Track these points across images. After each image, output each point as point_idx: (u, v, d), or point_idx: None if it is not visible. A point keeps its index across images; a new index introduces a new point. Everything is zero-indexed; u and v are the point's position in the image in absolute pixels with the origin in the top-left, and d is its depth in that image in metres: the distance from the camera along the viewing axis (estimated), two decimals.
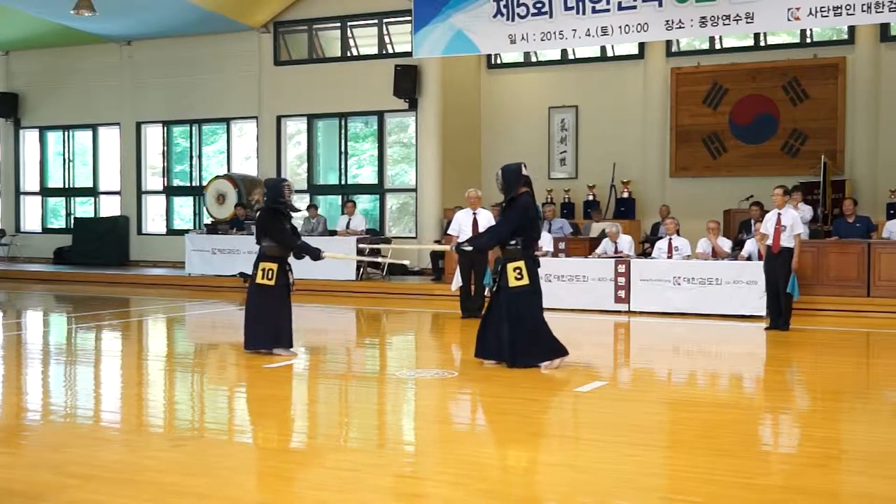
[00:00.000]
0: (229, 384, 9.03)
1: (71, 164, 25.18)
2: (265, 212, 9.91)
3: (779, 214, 12.28)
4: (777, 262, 12.25)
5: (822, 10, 14.05)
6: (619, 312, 14.42)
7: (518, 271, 9.10)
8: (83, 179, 25.23)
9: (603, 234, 15.87)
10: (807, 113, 18.60)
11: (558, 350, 9.22)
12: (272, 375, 9.16)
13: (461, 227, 13.66)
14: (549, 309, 14.44)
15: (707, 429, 6.84)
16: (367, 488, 5.38)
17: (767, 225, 12.40)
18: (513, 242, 9.17)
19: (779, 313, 12.42)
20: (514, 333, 9.03)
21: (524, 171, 9.36)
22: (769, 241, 12.29)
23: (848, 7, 13.87)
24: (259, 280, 9.67)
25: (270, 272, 9.68)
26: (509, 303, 9.07)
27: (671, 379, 9.46)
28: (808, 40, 18.95)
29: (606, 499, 5.24)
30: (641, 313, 14.33)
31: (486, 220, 13.60)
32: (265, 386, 8.75)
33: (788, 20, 14.44)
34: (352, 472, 5.75)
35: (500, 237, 9.27)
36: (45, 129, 25.26)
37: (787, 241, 12.19)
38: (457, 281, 13.94)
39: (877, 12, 13.81)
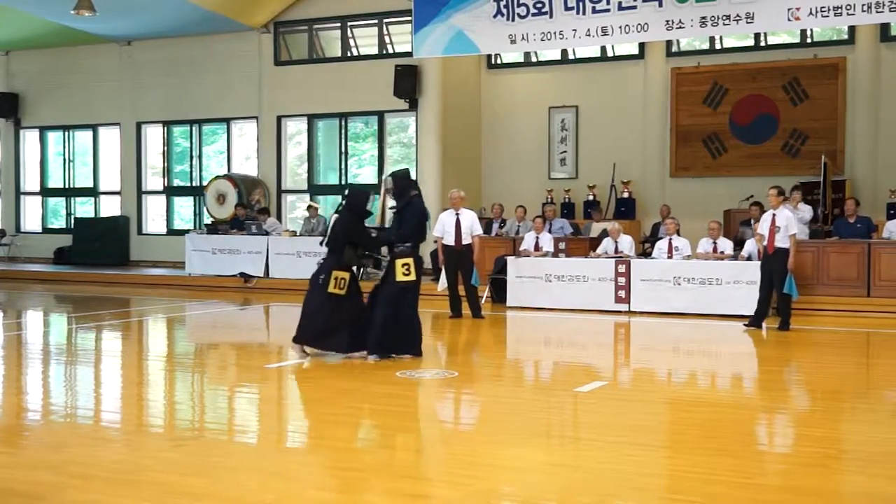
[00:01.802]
0: (229, 384, 9.03)
1: (71, 164, 25.18)
2: (351, 217, 9.75)
3: (773, 215, 12.35)
4: (773, 263, 12.31)
5: (822, 10, 14.05)
6: (619, 312, 14.42)
7: (406, 267, 9.62)
8: (83, 179, 25.23)
9: (604, 234, 15.88)
10: (807, 113, 18.60)
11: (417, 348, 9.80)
12: (272, 375, 9.16)
13: (445, 227, 13.68)
14: (549, 309, 14.57)
15: (707, 429, 6.84)
16: (367, 488, 5.38)
17: (763, 226, 12.48)
18: (401, 245, 9.71)
19: (765, 313, 12.52)
20: (393, 325, 9.55)
21: (412, 176, 10.14)
22: (765, 242, 12.35)
23: (848, 7, 13.87)
24: (331, 289, 9.49)
25: (343, 281, 9.58)
26: (392, 294, 9.58)
27: (671, 379, 9.46)
28: (809, 40, 18.94)
29: (606, 499, 5.25)
30: (641, 313, 14.33)
31: (469, 219, 13.62)
32: (265, 386, 8.76)
33: (788, 20, 14.43)
34: (353, 472, 5.75)
35: (400, 238, 9.74)
36: (46, 129, 25.26)
37: (782, 241, 12.23)
38: (442, 282, 14.02)
39: (877, 12, 13.80)
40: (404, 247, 9.68)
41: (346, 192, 10.39)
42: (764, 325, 12.59)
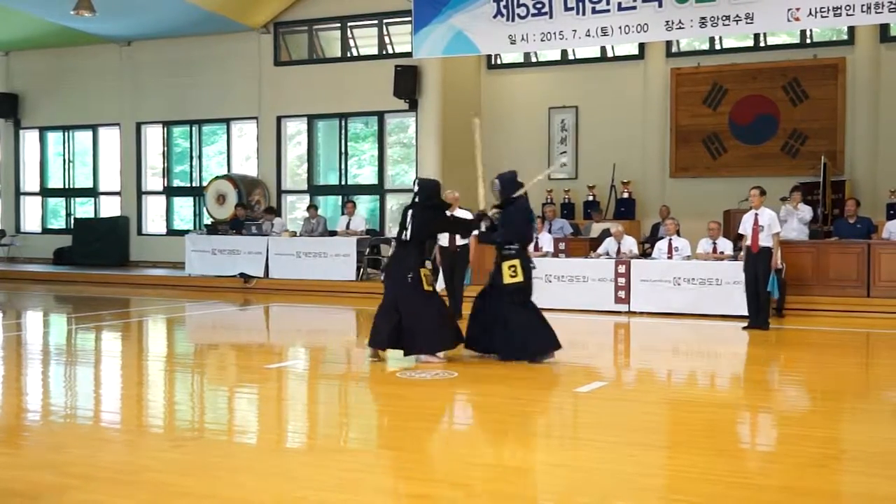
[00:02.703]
0: (229, 384, 9.03)
1: (71, 164, 25.18)
2: (427, 211, 9.63)
3: (756, 215, 12.46)
4: (757, 262, 12.42)
5: (822, 10, 14.04)
6: (619, 313, 14.41)
7: (513, 269, 9.53)
8: (83, 180, 25.23)
9: (604, 234, 15.88)
10: (807, 113, 18.60)
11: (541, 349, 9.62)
12: (272, 375, 9.16)
13: None
14: (549, 309, 14.53)
15: (706, 429, 6.84)
16: (367, 489, 5.38)
17: (745, 225, 12.59)
18: (507, 246, 9.65)
19: (758, 312, 12.55)
20: (511, 328, 9.43)
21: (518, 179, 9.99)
22: (748, 242, 12.44)
23: (848, 7, 13.86)
24: (426, 287, 9.40)
25: (428, 277, 9.51)
26: (503, 299, 9.48)
27: (671, 379, 9.46)
28: (808, 41, 18.94)
29: (606, 499, 5.25)
30: (641, 314, 14.33)
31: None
32: (265, 386, 8.76)
33: (788, 20, 14.43)
34: (352, 472, 5.75)
35: (507, 240, 9.67)
36: (45, 129, 25.26)
37: (765, 240, 12.34)
38: (441, 283, 13.91)
39: (876, 13, 13.80)
40: (510, 249, 9.61)
41: (416, 184, 10.13)
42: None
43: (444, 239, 13.53)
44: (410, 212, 9.69)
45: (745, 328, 12.62)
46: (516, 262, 9.58)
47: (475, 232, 10.50)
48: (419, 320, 9.35)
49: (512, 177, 9.98)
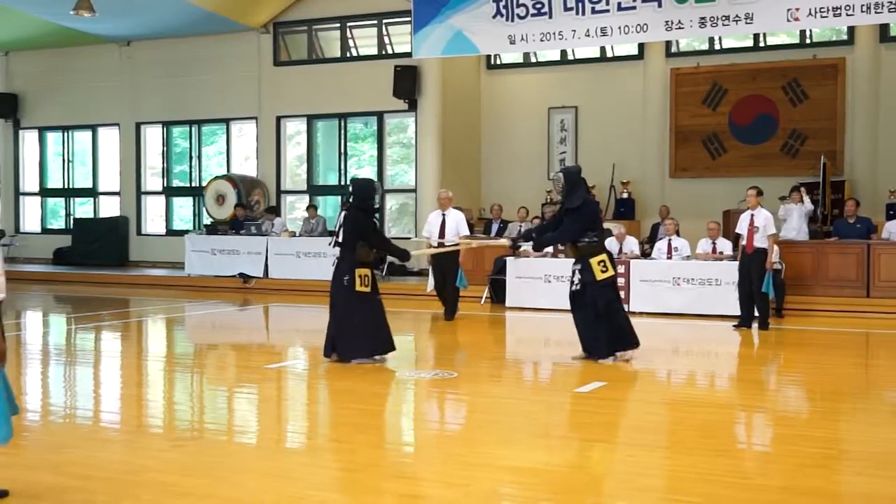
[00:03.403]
0: (229, 384, 9.03)
1: (70, 164, 25.18)
2: (358, 213, 9.48)
3: (752, 215, 12.52)
4: (751, 263, 12.49)
5: (822, 10, 14.04)
6: None
7: (602, 264, 9.47)
8: (82, 180, 25.22)
9: (605, 234, 15.85)
10: (806, 113, 18.60)
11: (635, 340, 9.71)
12: (271, 376, 9.16)
13: (431, 228, 13.59)
14: (549, 309, 14.56)
15: (706, 429, 6.84)
16: (366, 489, 5.38)
17: (741, 226, 12.66)
18: (586, 239, 9.57)
19: (750, 313, 12.62)
20: (612, 324, 9.47)
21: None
22: (743, 242, 12.48)
23: (847, 7, 13.86)
24: (359, 287, 9.28)
25: (367, 278, 9.38)
26: (597, 296, 9.44)
27: (670, 379, 9.46)
28: (808, 41, 18.94)
29: (606, 499, 5.25)
30: (641, 314, 14.32)
31: (455, 220, 13.45)
32: (264, 386, 8.76)
33: (788, 21, 14.42)
34: (351, 472, 5.75)
35: (567, 236, 9.66)
36: (45, 129, 25.25)
37: (760, 241, 12.39)
38: (431, 283, 13.92)
39: (876, 13, 13.79)
40: (592, 241, 9.55)
41: (350, 185, 10.05)
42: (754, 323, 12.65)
43: (434, 238, 13.44)
44: (343, 213, 9.67)
45: (735, 327, 12.64)
46: (604, 256, 9.55)
47: (526, 245, 10.29)
48: (350, 325, 9.33)
49: (577, 171, 9.81)
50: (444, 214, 13.55)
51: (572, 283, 9.71)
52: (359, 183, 9.83)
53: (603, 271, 9.48)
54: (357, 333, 9.33)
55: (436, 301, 14.22)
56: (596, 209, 9.87)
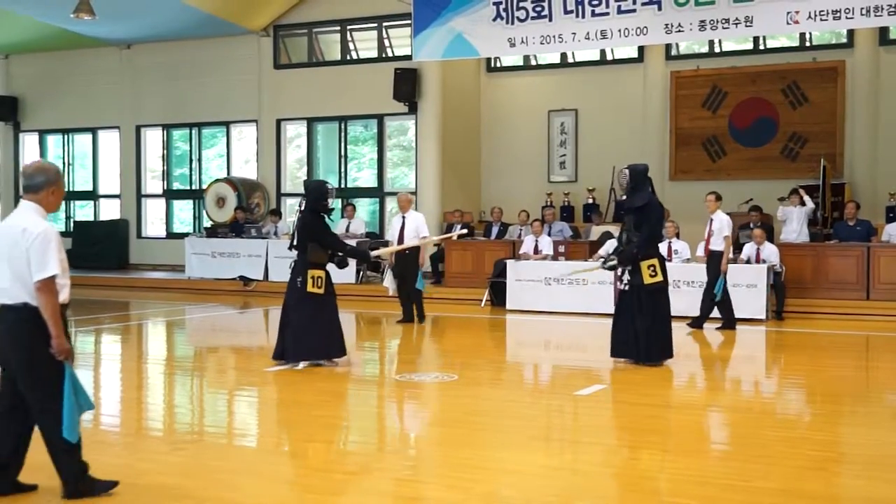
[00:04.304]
0: (229, 388, 9.04)
1: (70, 167, 25.16)
2: (310, 216, 9.46)
3: (710, 219, 12.79)
4: (707, 265, 12.76)
5: (822, 13, 14.05)
6: None
7: (652, 269, 9.38)
8: (83, 183, 25.21)
9: (604, 237, 15.84)
10: (806, 116, 18.58)
11: (669, 352, 9.65)
12: (271, 379, 9.16)
13: (394, 232, 13.49)
14: (549, 312, 14.58)
15: (706, 432, 6.85)
16: (366, 491, 5.39)
17: (707, 229, 12.91)
18: None
19: (709, 313, 12.78)
20: (651, 330, 9.39)
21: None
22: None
23: (847, 11, 13.86)
24: (310, 289, 9.24)
25: (320, 280, 9.31)
26: (644, 300, 9.39)
27: (671, 382, 9.46)
28: (808, 44, 18.93)
29: (606, 501, 5.26)
30: None
31: (414, 223, 13.24)
32: (265, 389, 8.76)
33: (788, 24, 14.42)
34: (351, 475, 5.76)
35: (647, 244, 9.52)
36: (45, 132, 25.25)
37: (716, 244, 12.62)
38: (392, 286, 13.63)
39: (875, 16, 13.79)
40: (641, 247, 9.43)
41: (303, 187, 10.02)
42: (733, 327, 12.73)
43: (393, 241, 13.33)
44: (297, 215, 9.67)
45: (718, 329, 12.75)
46: (654, 261, 9.44)
47: (608, 262, 10.03)
48: (299, 326, 9.29)
49: (644, 169, 9.74)
50: (403, 217, 13.42)
51: (620, 281, 9.68)
52: (311, 185, 9.90)
53: (652, 276, 9.39)
54: (304, 335, 9.28)
55: (437, 304, 14.23)
56: (662, 211, 9.73)
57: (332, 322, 9.46)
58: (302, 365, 9.29)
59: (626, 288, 9.57)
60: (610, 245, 15.26)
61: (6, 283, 4.90)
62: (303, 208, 9.62)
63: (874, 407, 8.20)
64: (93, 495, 5.00)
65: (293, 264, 9.59)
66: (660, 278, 9.44)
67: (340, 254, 9.65)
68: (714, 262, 12.59)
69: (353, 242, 17.64)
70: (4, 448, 5.03)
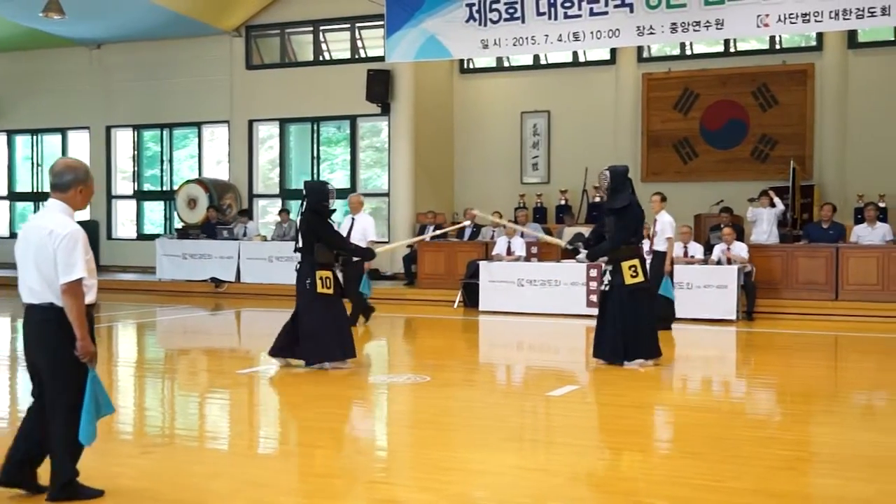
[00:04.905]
0: (200, 390, 8.98)
1: (40, 168, 24.92)
2: (312, 216, 9.43)
3: (655, 220, 12.84)
4: (652, 266, 12.65)
5: (791, 17, 14.18)
6: (590, 317, 14.38)
7: (633, 269, 9.45)
8: None
9: (577, 238, 15.87)
10: (776, 118, 18.74)
11: (656, 350, 9.71)
12: (243, 381, 9.12)
13: (342, 232, 13.40)
14: (521, 313, 14.60)
15: (678, 432, 6.88)
16: (339, 493, 5.37)
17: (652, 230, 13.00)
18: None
19: (672, 313, 12.89)
20: (630, 331, 9.43)
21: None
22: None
23: (816, 14, 14.01)
24: (320, 290, 9.22)
25: (328, 280, 9.31)
26: (625, 300, 9.43)
27: (642, 383, 9.49)
28: (778, 47, 19.11)
29: (578, 502, 5.27)
30: None
31: (362, 225, 13.16)
32: (236, 392, 8.72)
33: (758, 27, 14.55)
34: (324, 477, 5.74)
35: (620, 242, 9.56)
36: (14, 132, 25.01)
37: (659, 244, 12.73)
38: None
39: (844, 19, 13.95)
40: (626, 245, 9.49)
41: (304, 188, 10.01)
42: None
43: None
44: (300, 217, 9.67)
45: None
46: (636, 261, 9.50)
47: (581, 254, 10.23)
48: (312, 328, 9.26)
49: (624, 171, 9.76)
50: (353, 218, 13.35)
51: (602, 282, 9.77)
52: (312, 185, 9.82)
53: (633, 276, 9.45)
54: (319, 337, 9.25)
55: (410, 305, 14.22)
56: (641, 213, 9.77)
57: (344, 322, 9.51)
58: (329, 366, 9.27)
59: (607, 288, 9.63)
60: (570, 232, 15.29)
61: (34, 283, 4.93)
62: (303, 209, 9.59)
63: (843, 406, 8.27)
64: (77, 499, 5.00)
65: (298, 267, 9.56)
66: (641, 278, 9.52)
67: (346, 253, 9.66)
68: (657, 263, 12.55)
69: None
70: (31, 441, 5.08)
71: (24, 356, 5.12)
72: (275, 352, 9.45)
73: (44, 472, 5.07)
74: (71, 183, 4.97)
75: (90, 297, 4.96)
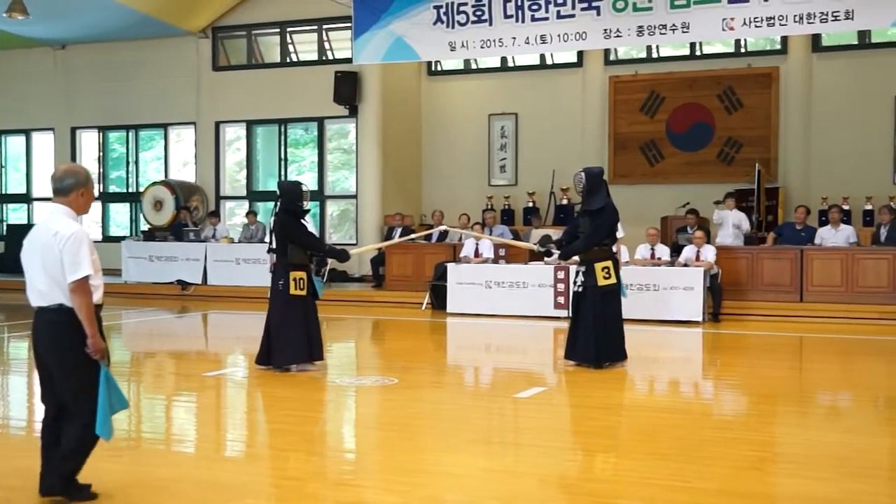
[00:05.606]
0: (167, 393, 8.92)
1: (3, 169, 24.65)
2: (286, 216, 9.37)
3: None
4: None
5: (756, 20, 14.32)
6: (558, 318, 14.47)
7: (606, 271, 9.47)
8: (16, 185, 24.71)
9: (545, 240, 15.91)
10: (741, 121, 18.91)
11: (623, 353, 9.78)
12: (210, 384, 9.06)
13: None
14: (489, 315, 14.62)
15: (645, 433, 6.91)
16: (306, 496, 5.35)
17: None
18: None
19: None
20: (602, 332, 9.47)
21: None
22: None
23: (781, 18, 14.16)
24: (293, 291, 9.18)
25: (302, 281, 9.26)
26: (596, 302, 9.47)
27: (609, 384, 9.54)
28: (743, 50, 19.29)
29: None
30: None
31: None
32: (203, 395, 8.66)
33: (723, 30, 14.68)
34: (291, 480, 5.72)
35: (593, 243, 9.59)
36: None
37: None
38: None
39: (808, 23, 14.12)
40: (600, 247, 9.53)
41: (278, 188, 9.98)
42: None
43: None
44: (273, 217, 9.64)
45: None
46: (609, 263, 9.54)
47: (553, 255, 10.26)
48: (284, 330, 9.23)
49: (599, 172, 9.78)
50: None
51: (575, 283, 9.80)
52: (285, 186, 9.78)
53: (605, 277, 9.49)
54: (291, 339, 9.22)
55: (378, 308, 14.20)
56: (616, 215, 9.81)
57: (314, 324, 9.44)
58: (295, 368, 9.23)
59: (580, 290, 9.66)
60: (537, 234, 15.35)
61: (42, 285, 5.00)
62: (277, 210, 9.53)
63: (807, 407, 8.36)
64: (73, 499, 5.06)
65: (272, 268, 9.51)
66: (613, 280, 9.56)
67: (320, 254, 9.63)
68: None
69: None
70: (49, 438, 5.24)
71: (35, 359, 5.15)
72: (262, 359, 9.39)
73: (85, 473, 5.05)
74: (72, 187, 5.07)
75: (97, 297, 5.01)
